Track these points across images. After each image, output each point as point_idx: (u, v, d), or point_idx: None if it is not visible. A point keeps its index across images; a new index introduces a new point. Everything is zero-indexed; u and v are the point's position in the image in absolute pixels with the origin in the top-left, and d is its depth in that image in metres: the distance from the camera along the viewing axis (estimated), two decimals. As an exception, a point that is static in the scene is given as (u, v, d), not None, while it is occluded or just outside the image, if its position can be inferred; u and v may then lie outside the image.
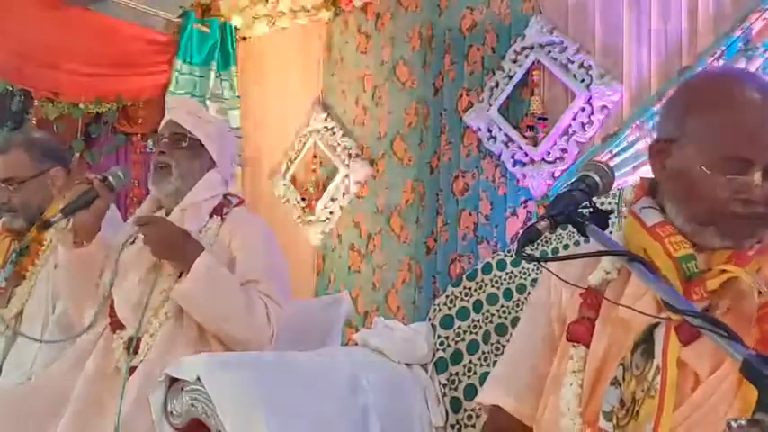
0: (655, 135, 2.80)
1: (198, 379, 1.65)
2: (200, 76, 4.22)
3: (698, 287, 1.11)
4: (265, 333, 1.92)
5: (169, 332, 1.93)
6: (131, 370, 1.89)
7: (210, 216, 2.08)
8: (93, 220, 2.05)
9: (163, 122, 2.16)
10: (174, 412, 1.70)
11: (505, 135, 3.20)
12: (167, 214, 2.09)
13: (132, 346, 1.91)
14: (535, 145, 3.12)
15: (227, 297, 1.90)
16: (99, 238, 2.06)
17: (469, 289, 2.23)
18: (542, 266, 2.08)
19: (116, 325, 2.01)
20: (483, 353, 2.15)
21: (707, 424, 1.05)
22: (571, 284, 1.24)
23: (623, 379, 1.13)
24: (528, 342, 1.36)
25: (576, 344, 1.21)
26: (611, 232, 2.09)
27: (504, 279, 2.20)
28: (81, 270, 2.07)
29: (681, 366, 1.08)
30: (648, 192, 1.26)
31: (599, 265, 1.26)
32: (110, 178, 2.06)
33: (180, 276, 1.96)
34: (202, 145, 2.09)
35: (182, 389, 1.69)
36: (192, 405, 1.66)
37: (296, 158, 4.08)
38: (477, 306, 2.20)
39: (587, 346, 1.20)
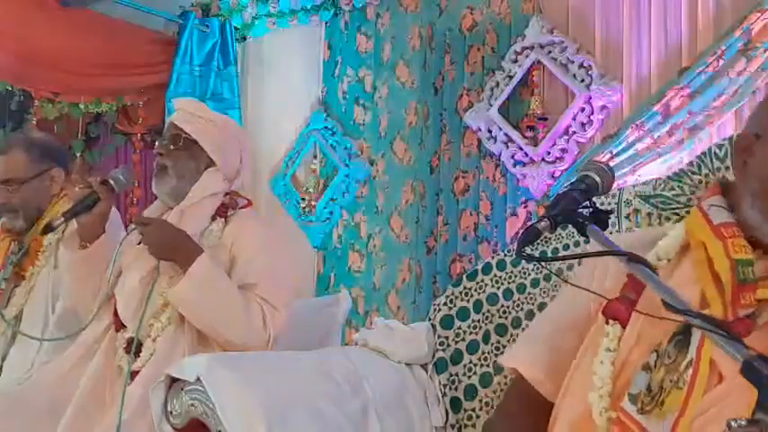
0: (656, 136, 2.81)
1: (198, 379, 1.65)
2: (200, 76, 4.22)
3: (748, 293, 1.11)
4: (261, 337, 1.91)
5: (171, 336, 1.92)
6: (134, 374, 1.89)
7: (214, 218, 2.06)
8: (97, 222, 2.07)
9: (166, 126, 2.17)
10: (174, 412, 1.70)
11: (505, 135, 3.20)
12: None
13: (133, 348, 1.90)
14: (535, 145, 3.12)
15: (223, 300, 1.90)
16: (103, 239, 2.07)
17: (469, 289, 2.23)
18: (542, 266, 2.08)
19: (120, 324, 2.01)
20: (483, 353, 2.15)
21: (723, 418, 1.05)
22: (580, 287, 1.24)
23: (654, 365, 1.13)
24: (561, 315, 1.36)
25: (612, 321, 1.21)
26: (611, 232, 2.09)
27: (505, 279, 2.20)
28: (86, 271, 2.08)
29: (710, 364, 1.09)
30: (721, 191, 1.26)
31: (653, 249, 1.25)
32: (110, 181, 2.07)
33: None
34: (200, 144, 2.09)
35: (182, 389, 1.69)
36: (192, 405, 1.66)
37: (296, 158, 4.08)
38: (478, 306, 2.20)
39: (623, 326, 1.20)
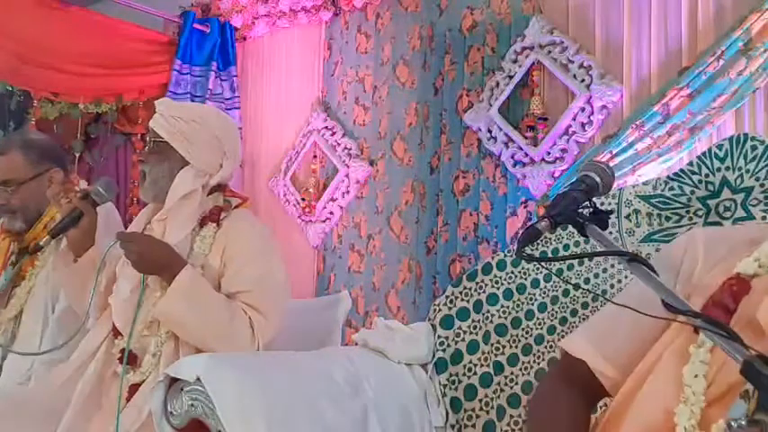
0: (656, 136, 2.80)
1: (197, 379, 1.65)
2: (200, 76, 4.22)
3: None
4: (250, 348, 1.89)
5: (171, 352, 1.91)
6: (135, 386, 1.88)
7: (206, 222, 2.02)
8: (85, 236, 2.07)
9: None
10: (174, 412, 1.70)
11: (505, 135, 3.20)
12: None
13: (125, 359, 1.90)
14: (535, 145, 3.12)
15: (208, 312, 1.87)
16: (92, 251, 2.07)
17: (469, 289, 2.23)
18: (542, 266, 2.08)
19: (117, 331, 2.01)
20: (483, 353, 2.15)
21: None
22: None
23: (753, 393, 0.99)
24: (635, 319, 1.21)
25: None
26: (610, 233, 2.09)
27: (504, 279, 2.20)
28: (80, 282, 2.07)
29: None
30: None
31: (753, 253, 1.13)
32: (92, 196, 2.08)
33: None
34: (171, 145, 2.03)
35: (181, 389, 1.69)
36: (192, 405, 1.66)
37: (296, 158, 4.08)
38: (478, 306, 2.20)
39: None
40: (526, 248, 1.11)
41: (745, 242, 1.17)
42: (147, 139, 2.08)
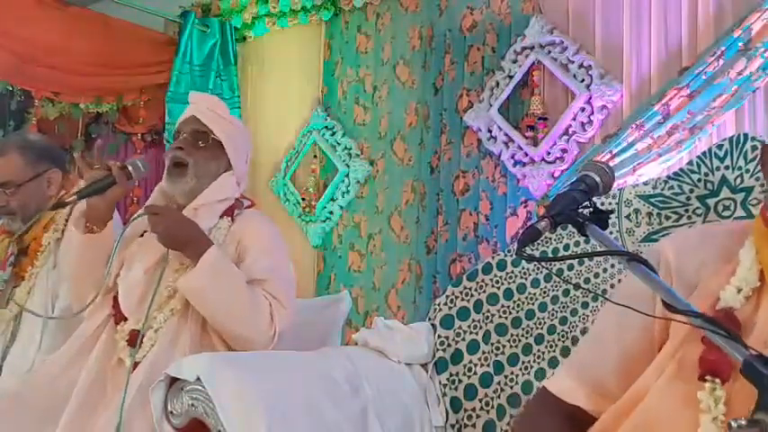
0: (656, 136, 2.81)
1: (198, 379, 1.65)
2: (200, 76, 4.22)
3: None
4: (267, 332, 1.92)
5: (173, 328, 1.92)
6: (135, 365, 1.88)
7: (221, 217, 2.08)
8: (107, 206, 2.03)
9: (183, 117, 2.13)
10: (174, 412, 1.70)
11: (505, 135, 3.20)
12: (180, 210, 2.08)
13: (138, 341, 1.89)
14: (535, 145, 3.12)
15: (233, 293, 1.90)
16: (110, 226, 2.05)
17: (470, 289, 2.23)
18: (542, 266, 2.08)
19: (119, 317, 2.00)
20: (483, 353, 2.15)
21: None
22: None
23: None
24: (617, 338, 1.22)
25: (712, 380, 1.03)
26: (610, 232, 2.09)
27: (505, 279, 2.20)
28: (91, 257, 2.04)
29: None
30: None
31: (731, 279, 1.11)
32: (129, 167, 2.05)
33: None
34: (221, 146, 2.09)
35: (182, 389, 1.69)
36: (192, 405, 1.66)
37: (296, 158, 4.08)
38: (478, 306, 2.20)
39: (724, 381, 1.02)
40: (526, 248, 1.11)
41: (716, 257, 1.14)
42: (187, 129, 2.08)
